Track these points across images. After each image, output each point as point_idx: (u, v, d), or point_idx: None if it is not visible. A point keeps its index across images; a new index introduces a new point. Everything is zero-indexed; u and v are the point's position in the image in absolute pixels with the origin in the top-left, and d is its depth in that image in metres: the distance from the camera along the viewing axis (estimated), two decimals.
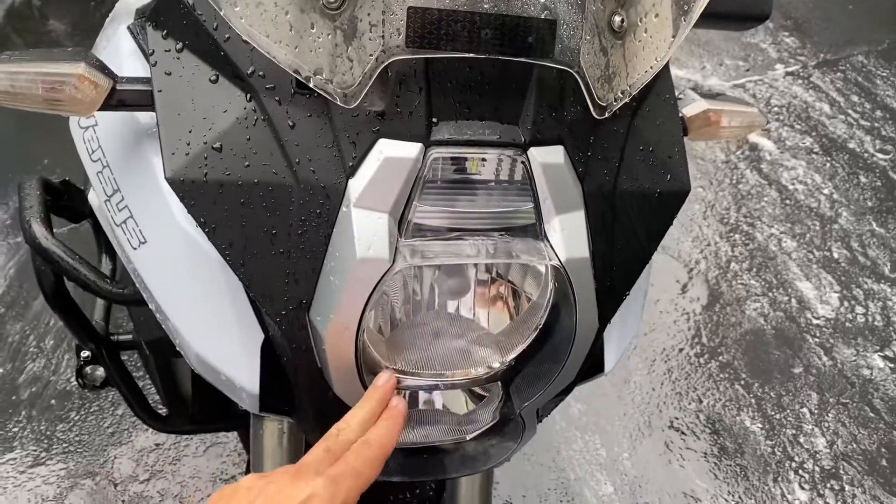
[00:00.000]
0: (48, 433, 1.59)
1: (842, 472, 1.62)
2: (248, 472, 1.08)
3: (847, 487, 1.59)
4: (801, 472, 1.62)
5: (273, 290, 0.55)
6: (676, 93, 0.74)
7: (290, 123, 0.53)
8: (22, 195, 0.78)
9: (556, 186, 0.57)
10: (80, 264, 0.73)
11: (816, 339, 1.89)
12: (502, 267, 0.63)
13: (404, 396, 0.68)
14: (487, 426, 0.67)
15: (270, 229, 0.54)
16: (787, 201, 2.29)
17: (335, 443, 0.50)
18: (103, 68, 0.55)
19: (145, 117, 0.63)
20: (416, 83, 0.52)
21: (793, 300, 1.99)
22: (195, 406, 0.99)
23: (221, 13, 0.48)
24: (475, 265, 0.63)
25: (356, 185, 0.53)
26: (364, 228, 0.52)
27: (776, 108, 2.65)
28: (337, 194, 0.53)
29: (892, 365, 1.85)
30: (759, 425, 1.70)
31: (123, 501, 1.48)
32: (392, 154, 0.52)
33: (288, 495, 0.45)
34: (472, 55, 0.50)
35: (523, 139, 0.55)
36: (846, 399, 1.76)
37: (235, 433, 1.61)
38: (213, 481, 1.52)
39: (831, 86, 2.76)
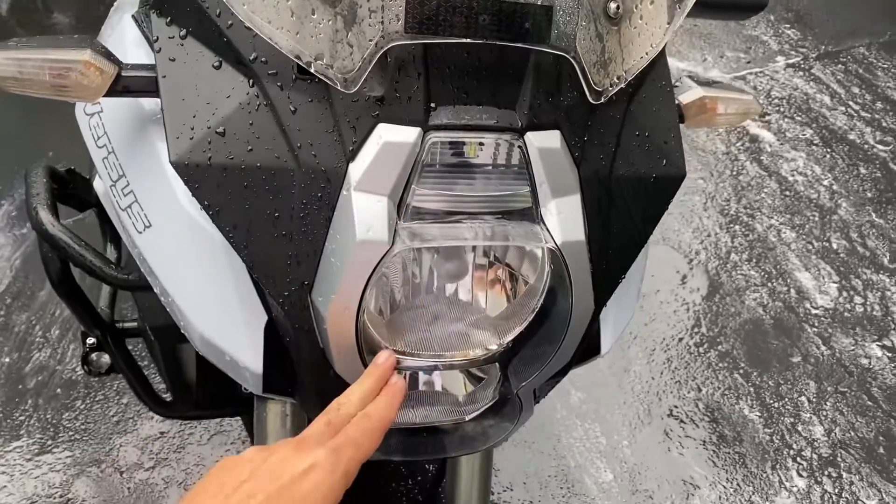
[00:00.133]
0: (54, 421, 1.60)
1: (839, 459, 1.64)
2: None
3: (845, 475, 1.61)
4: (799, 459, 1.63)
5: (276, 272, 0.56)
6: (673, 80, 0.75)
7: (292, 108, 0.54)
8: (28, 183, 0.79)
9: (553, 170, 0.58)
10: (86, 251, 0.74)
11: (815, 329, 1.90)
12: (500, 250, 0.64)
13: (404, 377, 0.70)
14: (486, 407, 0.69)
15: (273, 212, 0.55)
16: (787, 192, 2.30)
17: (336, 416, 0.51)
18: (108, 55, 0.56)
19: (150, 104, 0.65)
20: (415, 68, 0.54)
21: (792, 290, 2.00)
22: (199, 392, 1.01)
23: (224, 0, 0.50)
24: (473, 249, 0.64)
25: (356, 169, 0.54)
26: (364, 211, 0.54)
27: (777, 100, 2.66)
28: (337, 178, 0.54)
29: (890, 354, 1.86)
30: (758, 413, 1.71)
31: (129, 489, 1.49)
32: (391, 138, 0.54)
33: (290, 465, 0.46)
34: (469, 41, 0.51)
35: (520, 124, 0.56)
36: (844, 388, 1.78)
37: (240, 423, 1.63)
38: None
39: (832, 78, 2.76)
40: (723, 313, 1.93)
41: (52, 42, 0.56)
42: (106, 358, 1.11)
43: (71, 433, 1.58)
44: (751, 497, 1.56)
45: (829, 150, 2.46)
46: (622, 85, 0.60)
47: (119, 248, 1.11)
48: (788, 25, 3.01)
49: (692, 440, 1.65)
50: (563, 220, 0.58)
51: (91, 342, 1.06)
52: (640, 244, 0.66)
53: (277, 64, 0.54)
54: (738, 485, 1.58)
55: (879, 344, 1.88)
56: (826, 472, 1.61)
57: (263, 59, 0.55)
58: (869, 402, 1.75)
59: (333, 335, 0.56)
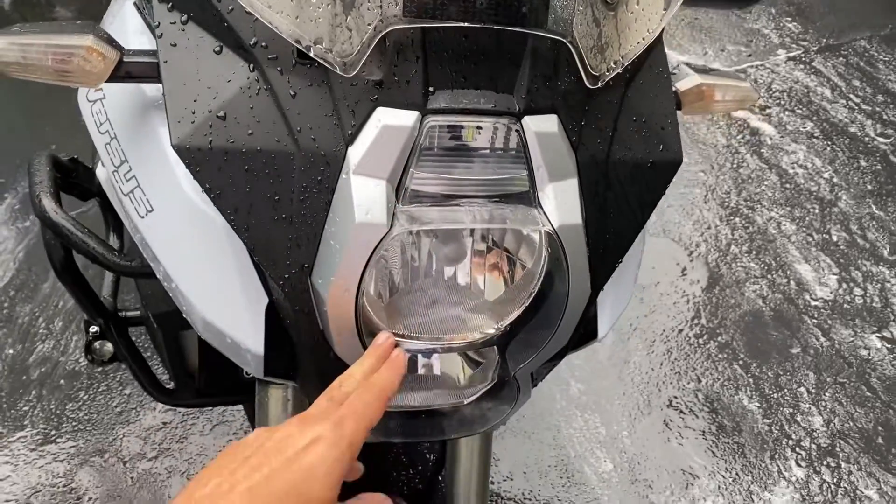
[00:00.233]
0: (58, 412, 1.61)
1: (838, 449, 1.64)
2: None
3: (843, 465, 1.62)
4: (797, 449, 1.64)
5: (276, 255, 0.57)
6: (671, 67, 0.76)
7: (292, 93, 0.55)
8: (31, 171, 0.80)
9: (550, 155, 0.58)
10: (89, 238, 0.75)
11: (814, 321, 1.91)
12: (497, 235, 0.65)
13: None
14: (484, 390, 0.69)
15: (273, 195, 0.56)
16: (787, 185, 2.30)
17: (338, 393, 0.52)
18: (111, 41, 0.57)
19: (152, 89, 0.65)
20: (414, 52, 0.54)
21: (791, 282, 2.00)
22: (201, 379, 1.02)
23: None
24: (471, 233, 0.65)
25: (355, 153, 0.55)
26: (363, 194, 0.54)
27: (777, 93, 2.66)
28: (337, 161, 0.55)
29: (889, 345, 1.86)
30: (757, 404, 1.72)
31: (132, 478, 1.51)
32: (390, 122, 0.54)
33: (294, 440, 0.47)
34: (467, 24, 0.52)
35: (518, 108, 0.56)
36: (843, 379, 1.78)
37: (242, 414, 1.64)
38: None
39: (833, 71, 2.76)
40: (722, 305, 1.93)
41: (55, 28, 0.56)
42: (109, 346, 1.12)
43: (74, 423, 1.59)
44: (749, 486, 1.57)
45: (829, 142, 2.46)
46: (619, 70, 0.60)
47: (122, 237, 1.11)
48: (789, 18, 3.00)
49: (691, 430, 1.66)
50: (561, 203, 0.59)
51: (94, 331, 1.07)
52: (637, 229, 0.67)
53: (277, 48, 0.55)
54: (736, 474, 1.59)
55: (879, 335, 1.89)
56: (825, 462, 1.62)
57: (264, 44, 0.55)
58: (868, 393, 1.76)
59: (333, 317, 0.57)
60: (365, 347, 0.59)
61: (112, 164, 0.67)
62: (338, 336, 0.58)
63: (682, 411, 1.70)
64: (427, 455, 1.53)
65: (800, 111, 2.58)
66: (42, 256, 1.93)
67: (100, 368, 1.71)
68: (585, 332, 0.73)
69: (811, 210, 2.22)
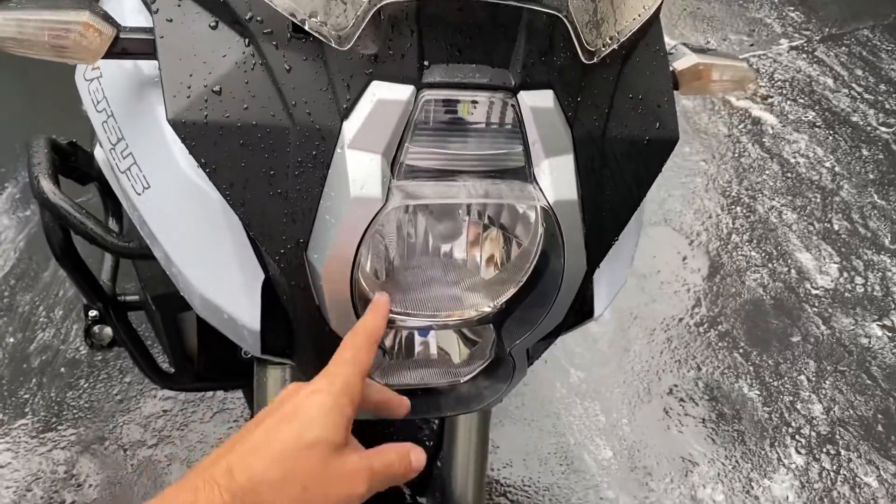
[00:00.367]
0: (58, 400, 1.62)
1: (838, 437, 1.64)
2: None
3: (843, 452, 1.62)
4: (797, 437, 1.64)
5: (272, 230, 0.57)
6: (668, 47, 0.76)
7: (287, 67, 0.55)
8: (30, 153, 0.80)
9: (546, 130, 0.58)
10: (87, 219, 0.75)
11: (815, 309, 1.91)
12: (493, 212, 0.65)
13: (400, 339, 0.71)
14: (480, 368, 0.70)
15: (268, 170, 0.56)
16: (789, 174, 2.29)
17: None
18: (107, 17, 0.57)
19: (148, 67, 0.65)
20: (409, 26, 0.54)
21: (792, 271, 2.00)
22: (200, 363, 1.02)
23: None
24: (467, 211, 0.65)
25: (350, 127, 0.55)
26: (357, 169, 0.54)
27: (779, 83, 2.65)
28: (332, 136, 0.55)
29: (890, 334, 1.86)
30: (757, 392, 1.72)
31: (132, 465, 1.51)
32: (385, 96, 0.54)
33: (291, 399, 0.48)
34: None
35: (513, 82, 0.56)
36: (844, 367, 1.78)
37: (242, 402, 1.64)
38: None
39: (836, 60, 2.75)
40: (723, 294, 1.93)
41: (52, 3, 0.56)
42: (108, 331, 1.12)
43: (75, 411, 1.60)
44: (749, 474, 1.57)
45: (831, 132, 2.45)
46: (615, 46, 0.60)
47: (121, 222, 1.12)
48: (792, 8, 2.99)
49: (691, 418, 1.66)
50: (556, 179, 0.59)
51: (93, 315, 1.07)
52: (634, 207, 0.67)
53: (273, 23, 0.55)
54: (736, 462, 1.59)
55: (879, 324, 1.88)
56: (824, 450, 1.62)
57: (259, 19, 0.55)
58: (868, 381, 1.75)
59: (329, 292, 0.57)
60: None
61: (109, 142, 0.67)
62: (333, 311, 0.59)
63: (682, 399, 1.70)
64: (427, 443, 1.53)
65: (802, 100, 2.57)
66: (43, 246, 1.93)
67: (100, 357, 1.72)
68: (582, 311, 0.73)
69: (813, 199, 2.22)
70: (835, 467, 1.59)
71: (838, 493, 1.55)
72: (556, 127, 0.59)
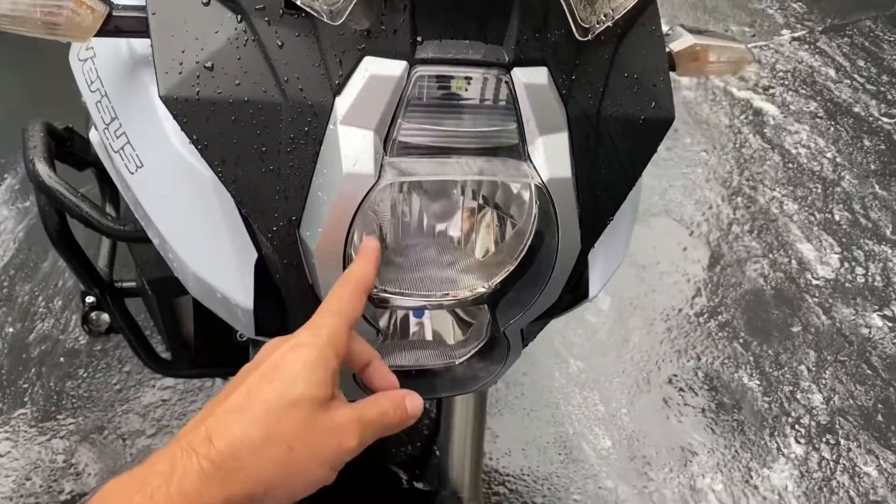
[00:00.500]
0: (57, 389, 1.62)
1: (838, 427, 1.64)
2: None
3: (843, 442, 1.61)
4: (797, 426, 1.64)
5: (264, 207, 0.56)
6: (665, 28, 0.75)
7: (279, 43, 0.55)
8: (25, 137, 0.80)
9: (540, 107, 0.58)
10: (83, 202, 0.75)
11: (816, 299, 1.90)
12: (488, 191, 0.65)
13: (395, 320, 0.71)
14: (475, 350, 0.69)
15: (260, 146, 0.55)
16: (790, 165, 2.29)
17: None
18: None
19: (141, 46, 0.65)
20: (401, 1, 0.54)
21: (793, 261, 1.99)
22: (197, 349, 1.02)
23: None
24: (462, 191, 0.65)
25: (342, 103, 0.54)
26: (350, 145, 0.54)
27: (781, 73, 2.64)
28: (324, 112, 0.55)
29: (890, 324, 1.86)
30: (757, 382, 1.72)
31: (131, 455, 1.51)
32: (377, 72, 0.54)
33: (273, 354, 0.46)
34: None
35: (507, 59, 0.56)
36: (844, 357, 1.78)
37: None
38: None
39: (838, 51, 2.74)
40: (723, 284, 1.93)
41: None
42: (105, 317, 1.13)
43: (74, 400, 1.60)
44: (748, 463, 1.57)
45: (833, 122, 2.44)
46: (609, 23, 0.60)
47: (118, 207, 1.11)
48: None
49: (691, 408, 1.66)
50: (550, 157, 0.59)
51: (91, 301, 1.07)
52: (629, 186, 0.66)
53: None
54: (736, 451, 1.59)
55: (880, 314, 1.88)
56: (824, 439, 1.62)
57: None
58: (868, 371, 1.75)
59: (321, 269, 0.57)
60: None
61: (103, 121, 0.67)
62: (326, 289, 0.58)
63: (681, 389, 1.69)
64: (424, 432, 1.53)
65: (804, 91, 2.56)
66: (42, 236, 1.92)
67: (99, 347, 1.72)
68: (577, 292, 0.73)
69: (814, 190, 2.21)
70: (834, 457, 1.59)
71: (838, 482, 1.55)
72: (550, 104, 0.58)
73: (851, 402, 1.69)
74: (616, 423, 1.63)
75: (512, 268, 0.65)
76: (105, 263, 1.10)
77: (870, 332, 1.83)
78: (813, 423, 1.65)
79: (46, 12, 0.56)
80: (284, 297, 0.62)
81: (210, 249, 0.62)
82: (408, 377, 0.70)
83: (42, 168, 0.75)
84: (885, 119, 2.46)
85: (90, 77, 0.69)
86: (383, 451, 1.49)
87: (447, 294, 0.65)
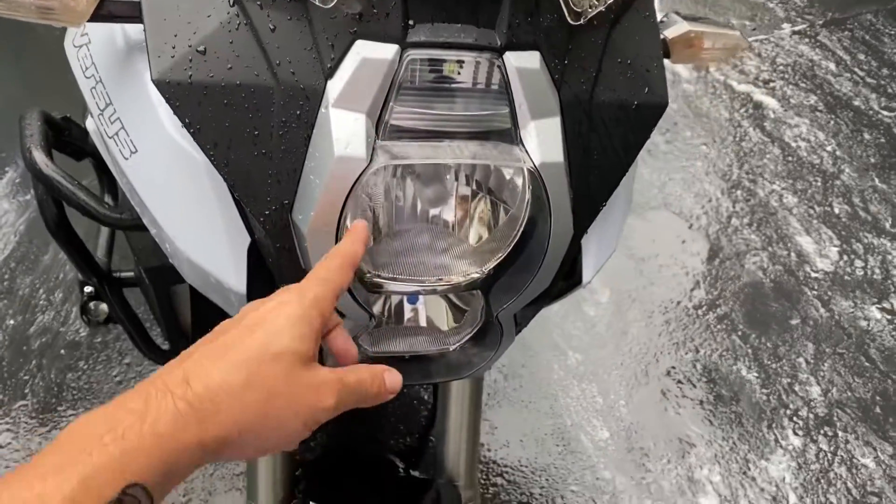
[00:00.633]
0: (58, 381, 1.63)
1: (835, 419, 1.64)
2: None
3: (840, 433, 1.62)
4: (795, 418, 1.64)
5: (257, 191, 0.57)
6: (660, 16, 0.75)
7: (271, 27, 0.55)
8: (23, 126, 0.80)
9: (532, 92, 0.58)
10: (80, 190, 0.75)
11: (815, 292, 1.90)
12: (481, 177, 0.65)
13: (389, 307, 0.71)
14: (469, 336, 0.70)
15: (253, 130, 0.55)
16: (790, 158, 2.28)
17: None
18: None
19: (135, 32, 0.65)
20: None
21: (792, 254, 1.99)
22: (195, 338, 1.02)
23: None
24: (455, 177, 0.65)
25: (334, 87, 0.55)
26: (341, 128, 0.54)
27: (782, 67, 2.63)
28: (316, 95, 0.55)
29: (889, 316, 1.86)
30: (755, 374, 1.72)
31: None
32: (369, 55, 0.54)
33: (258, 308, 0.47)
34: None
35: (499, 42, 0.56)
36: (842, 349, 1.78)
37: None
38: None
39: (838, 44, 2.73)
40: (722, 277, 1.93)
41: None
42: (104, 307, 1.13)
43: (75, 392, 1.61)
44: (746, 455, 1.57)
45: (833, 116, 2.44)
46: (601, 8, 0.60)
47: (116, 198, 1.12)
48: None
49: (689, 400, 1.66)
50: (542, 141, 0.59)
51: (89, 291, 1.08)
52: (622, 172, 0.66)
53: None
54: (733, 443, 1.59)
55: (879, 306, 1.88)
56: (822, 431, 1.62)
57: None
58: (867, 364, 1.75)
59: (314, 253, 0.57)
60: None
61: (98, 107, 0.67)
62: None
63: (679, 381, 1.70)
64: (420, 421, 1.53)
65: (804, 85, 2.55)
66: (43, 230, 1.92)
67: (99, 339, 1.73)
68: (571, 279, 0.73)
69: (813, 183, 2.21)
70: (832, 449, 1.59)
71: (835, 473, 1.55)
72: (542, 89, 0.59)
73: (849, 394, 1.69)
74: (614, 414, 1.63)
75: (505, 253, 0.65)
76: (103, 253, 1.10)
77: (868, 325, 1.84)
78: (811, 415, 1.65)
79: None
80: (277, 280, 0.62)
81: (204, 234, 0.62)
82: (402, 362, 0.70)
83: (39, 156, 0.76)
84: (885, 112, 2.46)
85: (85, 63, 0.69)
86: (381, 440, 1.50)
87: (441, 279, 0.65)
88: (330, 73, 0.54)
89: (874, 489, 1.53)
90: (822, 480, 1.54)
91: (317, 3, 0.53)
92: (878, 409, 1.66)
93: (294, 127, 0.55)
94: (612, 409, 1.64)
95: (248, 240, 0.62)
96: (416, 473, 1.42)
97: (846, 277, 1.94)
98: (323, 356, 0.53)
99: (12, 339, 1.70)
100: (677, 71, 2.56)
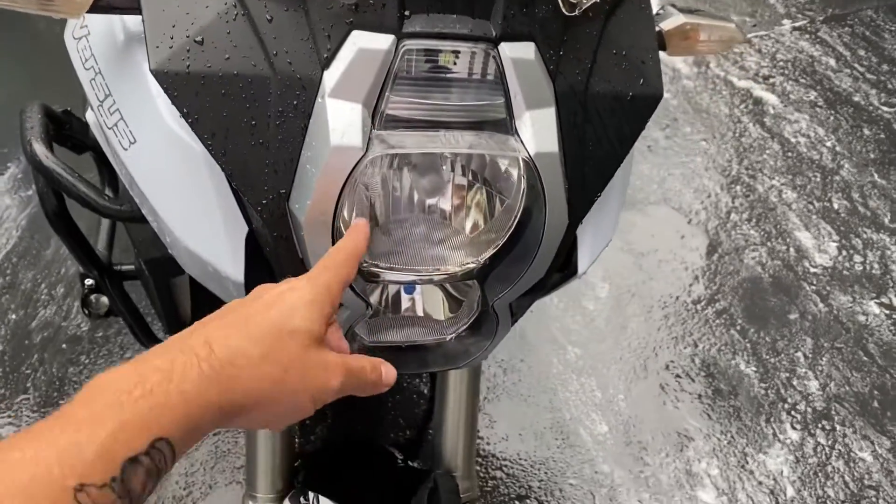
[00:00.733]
0: (60, 375, 1.64)
1: (833, 413, 1.65)
2: None
3: (838, 427, 1.62)
4: (793, 413, 1.65)
5: (254, 180, 0.57)
6: (656, 8, 0.76)
7: (268, 17, 0.56)
8: (23, 118, 0.81)
9: (527, 82, 0.59)
10: (80, 182, 0.76)
11: (813, 287, 1.91)
12: (477, 167, 0.65)
13: (387, 297, 0.72)
14: (466, 326, 0.70)
15: (250, 120, 0.56)
16: (790, 154, 2.29)
17: None
18: None
19: (134, 23, 0.66)
20: None
21: (791, 249, 2.00)
22: None
23: None
24: (451, 167, 0.65)
25: (331, 77, 0.55)
26: (338, 118, 0.55)
27: (782, 63, 2.63)
28: (312, 85, 0.55)
29: (887, 311, 1.86)
30: (754, 369, 1.72)
31: None
32: (365, 45, 0.55)
33: (271, 289, 0.49)
34: None
35: (494, 33, 0.57)
36: (840, 344, 1.78)
37: None
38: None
39: (838, 40, 2.73)
40: (721, 272, 1.93)
41: None
42: (105, 300, 1.14)
43: (76, 386, 1.61)
44: (744, 449, 1.58)
45: (832, 111, 2.44)
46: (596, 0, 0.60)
47: (116, 192, 1.12)
48: None
49: (687, 394, 1.67)
50: (537, 131, 0.59)
51: (90, 283, 1.08)
52: (617, 162, 0.67)
53: None
54: (732, 437, 1.60)
55: (877, 301, 1.88)
56: (820, 425, 1.63)
57: None
58: (865, 358, 1.76)
59: (310, 242, 0.58)
60: None
61: (97, 98, 0.68)
62: (315, 261, 0.59)
63: (678, 375, 1.70)
64: (418, 414, 1.54)
65: (804, 81, 2.55)
66: (44, 225, 1.93)
67: (101, 334, 1.74)
68: (567, 269, 0.74)
69: (813, 178, 2.21)
70: (830, 442, 1.60)
71: (833, 467, 1.56)
72: (537, 79, 0.59)
73: (847, 388, 1.70)
74: (613, 408, 1.64)
75: (501, 243, 0.66)
76: (104, 246, 1.11)
77: (867, 320, 1.84)
78: (809, 410, 1.65)
79: None
80: (274, 270, 0.63)
81: (202, 223, 0.63)
82: (400, 352, 0.71)
83: (39, 148, 0.76)
84: (885, 108, 2.46)
85: (84, 55, 0.70)
86: (380, 434, 1.51)
87: (437, 269, 0.66)
88: (326, 63, 0.55)
89: (871, 483, 1.54)
90: (820, 474, 1.55)
91: None
92: (875, 404, 1.67)
93: (291, 117, 0.56)
94: (611, 403, 1.64)
95: (245, 229, 0.62)
96: (414, 464, 1.43)
97: (845, 272, 1.95)
98: None
99: (14, 334, 1.71)
100: (677, 67, 2.56)
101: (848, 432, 1.61)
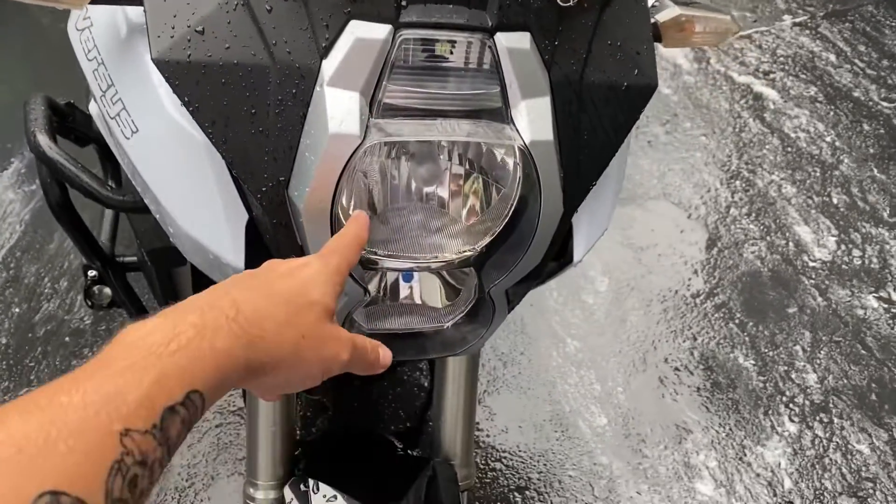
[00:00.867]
0: (63, 368, 1.65)
1: (831, 405, 1.66)
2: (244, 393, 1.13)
3: (836, 420, 1.63)
4: (791, 405, 1.66)
5: (254, 168, 0.58)
6: (652, 0, 0.76)
7: (268, 7, 0.57)
8: (27, 110, 0.82)
9: (523, 71, 0.60)
10: (83, 172, 0.77)
11: (812, 281, 1.92)
12: (473, 156, 0.66)
13: (385, 285, 0.73)
14: (463, 313, 0.71)
15: (250, 108, 0.57)
16: (789, 149, 2.29)
17: None
18: None
19: (136, 14, 0.67)
20: None
21: (790, 243, 2.01)
22: None
23: None
24: (448, 156, 0.66)
25: (329, 66, 0.56)
26: (336, 106, 0.56)
27: (782, 58, 2.64)
28: (311, 74, 0.56)
29: (886, 305, 1.87)
30: (752, 362, 1.73)
31: None
32: (362, 35, 0.56)
33: (287, 263, 0.51)
34: None
35: (490, 23, 0.58)
36: (839, 337, 1.79)
37: None
38: (219, 412, 1.58)
39: (839, 36, 2.74)
40: (720, 266, 1.94)
41: None
42: (107, 291, 1.14)
43: None
44: (742, 441, 1.59)
45: (832, 107, 2.45)
46: None
47: (119, 184, 1.13)
48: None
49: (686, 387, 1.68)
50: (533, 120, 0.60)
51: (92, 275, 1.09)
52: (612, 152, 0.68)
53: None
54: (730, 429, 1.61)
55: (876, 295, 1.89)
56: (818, 418, 1.64)
57: None
58: (863, 351, 1.76)
59: (309, 229, 0.59)
60: None
61: (100, 89, 0.69)
62: (315, 248, 0.60)
63: (677, 368, 1.71)
64: (417, 403, 1.55)
65: (804, 76, 2.56)
66: (48, 220, 1.95)
67: (104, 327, 1.75)
68: (563, 258, 0.75)
69: (812, 173, 2.21)
70: (827, 435, 1.61)
71: (830, 459, 1.57)
72: (532, 69, 0.60)
73: (845, 381, 1.71)
74: (612, 401, 1.65)
75: (497, 231, 0.67)
76: (107, 238, 1.12)
77: (865, 314, 1.85)
78: (807, 402, 1.66)
79: None
80: (274, 256, 0.64)
81: (203, 211, 0.64)
82: (398, 338, 0.72)
83: (43, 139, 0.77)
84: (885, 104, 2.46)
85: (87, 46, 0.71)
86: (381, 424, 1.52)
87: (435, 257, 0.67)
88: (325, 52, 0.56)
89: (869, 475, 1.55)
90: (818, 466, 1.56)
91: None
92: (873, 397, 1.68)
93: (290, 105, 0.57)
94: (610, 396, 1.66)
95: (246, 217, 0.64)
96: (413, 453, 1.44)
97: (844, 266, 1.96)
98: None
99: (18, 327, 1.73)
100: (678, 62, 2.57)
101: (846, 425, 1.62)
